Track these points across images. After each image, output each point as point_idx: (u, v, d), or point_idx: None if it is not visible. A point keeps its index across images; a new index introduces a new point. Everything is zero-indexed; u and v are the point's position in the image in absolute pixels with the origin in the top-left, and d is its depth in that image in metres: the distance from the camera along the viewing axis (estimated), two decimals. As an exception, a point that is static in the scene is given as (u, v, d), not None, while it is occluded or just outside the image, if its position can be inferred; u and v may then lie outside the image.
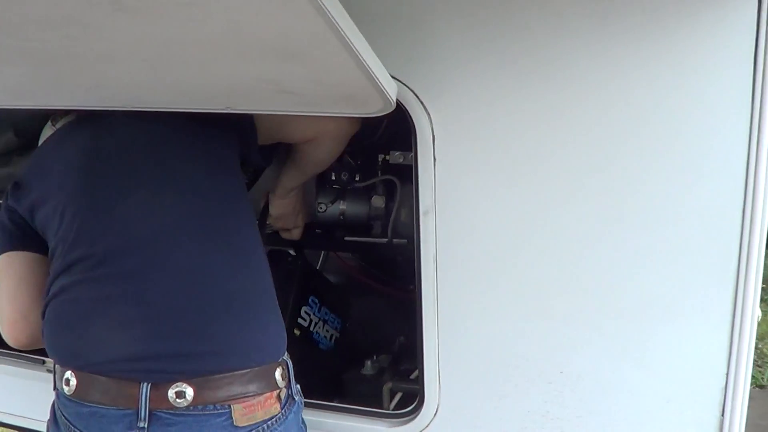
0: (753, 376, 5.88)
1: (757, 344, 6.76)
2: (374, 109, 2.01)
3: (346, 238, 2.99)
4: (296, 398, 2.18)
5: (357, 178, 3.02)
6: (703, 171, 2.07)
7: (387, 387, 2.63)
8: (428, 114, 2.19)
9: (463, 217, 2.26)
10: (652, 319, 2.19)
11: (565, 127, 2.14)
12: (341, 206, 3.01)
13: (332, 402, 2.65)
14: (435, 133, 2.20)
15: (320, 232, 3.11)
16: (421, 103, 2.18)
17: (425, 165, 2.23)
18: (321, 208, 2.99)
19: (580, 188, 2.17)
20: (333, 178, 3.02)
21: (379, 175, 2.97)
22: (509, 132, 2.17)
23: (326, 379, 2.83)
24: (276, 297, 2.24)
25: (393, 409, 2.60)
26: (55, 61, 1.86)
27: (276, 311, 2.22)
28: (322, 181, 3.04)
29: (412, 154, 2.24)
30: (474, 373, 2.36)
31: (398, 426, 2.48)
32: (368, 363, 2.78)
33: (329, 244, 3.12)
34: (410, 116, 2.18)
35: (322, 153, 2.57)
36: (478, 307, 2.31)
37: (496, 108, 2.16)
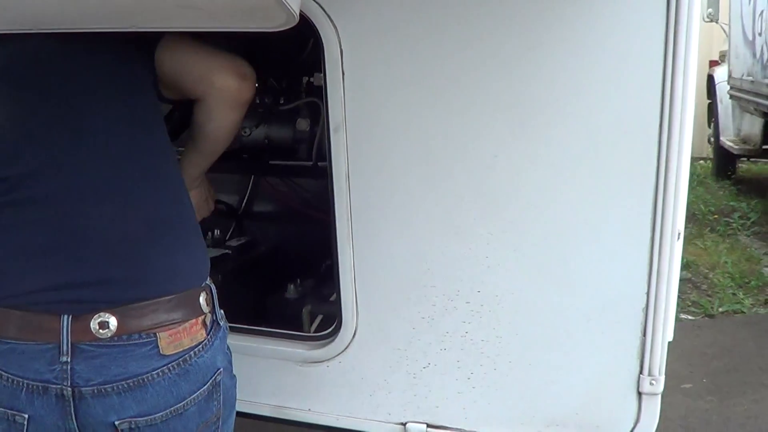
0: (702, 305, 5.95)
1: (707, 274, 6.82)
2: (277, 22, 1.93)
3: (270, 162, 2.92)
4: (221, 323, 2.12)
5: (281, 101, 2.98)
6: (619, 82, 2.02)
7: (306, 310, 2.59)
8: (335, 27, 2.12)
9: (374, 132, 2.20)
10: (572, 237, 2.16)
11: (478, 33, 2.07)
12: (266, 130, 2.93)
13: (256, 326, 2.60)
14: (343, 47, 2.13)
15: (246, 157, 3.04)
16: (328, 16, 2.11)
17: (334, 80, 2.16)
18: (245, 132, 2.93)
19: (493, 100, 2.11)
20: (257, 101, 2.96)
21: (303, 97, 2.92)
22: (419, 42, 2.10)
23: (251, 304, 2.77)
24: (197, 223, 2.17)
25: (313, 332, 2.54)
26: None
27: (199, 235, 2.15)
28: None
29: (322, 69, 2.17)
30: (391, 294, 2.32)
31: (317, 349, 2.45)
32: (291, 286, 2.73)
33: (254, 168, 3.05)
34: (317, 30, 2.11)
35: (216, 122, 2.42)
36: (392, 226, 2.26)
37: (405, 18, 2.09)
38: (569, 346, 2.25)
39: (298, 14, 1.88)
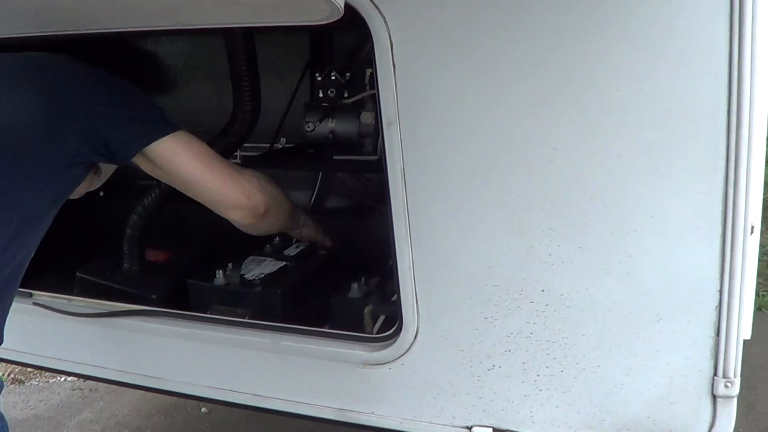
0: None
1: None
2: (321, 15, 1.90)
3: (335, 157, 2.85)
4: None
5: (345, 95, 2.89)
6: (685, 69, 1.91)
7: (368, 310, 2.51)
8: (384, 18, 2.03)
9: (429, 127, 2.11)
10: (638, 232, 2.04)
11: (539, 23, 1.97)
12: (330, 124, 2.87)
13: (321, 328, 2.56)
14: (392, 38, 2.04)
15: (312, 152, 2.98)
16: (375, 5, 2.02)
17: (385, 73, 2.08)
18: (309, 127, 2.87)
19: (556, 92, 2.00)
20: (321, 95, 2.89)
21: (368, 89, 2.82)
22: (474, 32, 2.01)
23: (314, 304, 2.71)
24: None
25: (376, 333, 2.47)
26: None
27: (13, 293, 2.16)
28: (310, 98, 2.93)
29: (373, 63, 2.09)
30: (452, 294, 2.24)
31: (379, 350, 2.38)
32: (355, 286, 2.65)
33: (319, 164, 2.98)
34: (366, 22, 2.03)
35: (252, 231, 2.58)
36: (451, 224, 2.17)
37: (457, 7, 2.00)
38: (639, 347, 2.14)
39: (342, 6, 1.83)
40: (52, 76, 2.19)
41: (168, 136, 2.26)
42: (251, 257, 2.82)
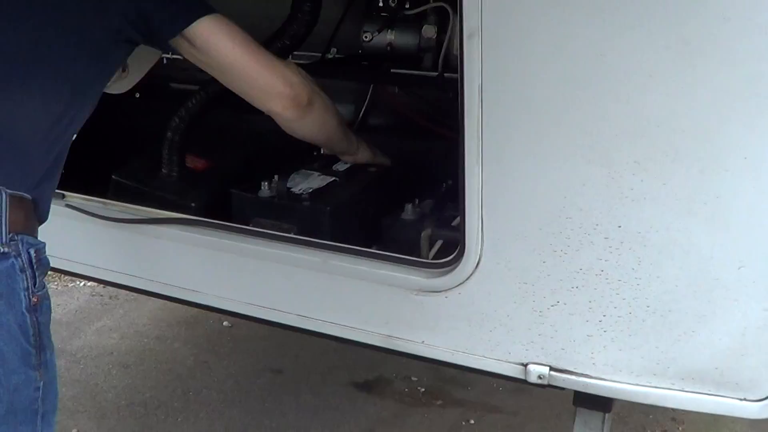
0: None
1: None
2: None
3: (392, 71, 2.71)
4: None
5: (407, 6, 2.80)
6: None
7: (426, 234, 2.38)
8: None
9: (514, 41, 1.95)
10: (730, 172, 1.89)
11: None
12: (389, 36, 2.77)
13: (369, 248, 2.43)
14: (480, -61, 1.88)
15: (366, 64, 2.83)
16: None
17: (471, -21, 1.90)
18: (366, 38, 2.77)
19: (656, 14, 1.84)
20: (381, 4, 2.80)
21: (431, 2, 2.72)
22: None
23: (364, 224, 2.61)
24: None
25: (432, 259, 2.35)
26: None
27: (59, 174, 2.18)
28: (368, 7, 2.82)
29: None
30: (521, 223, 2.10)
31: (436, 277, 2.25)
32: (408, 207, 2.52)
33: (374, 76, 2.83)
34: None
35: (298, 133, 2.51)
36: (527, 147, 2.03)
37: None
38: (716, 294, 2.00)
39: None
40: None
41: (207, 17, 2.23)
42: (298, 170, 2.67)
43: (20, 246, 1.92)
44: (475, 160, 2.06)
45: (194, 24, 2.21)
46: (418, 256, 2.38)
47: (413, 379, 4.10)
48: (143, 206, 2.63)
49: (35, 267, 1.95)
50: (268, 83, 2.30)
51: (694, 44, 1.82)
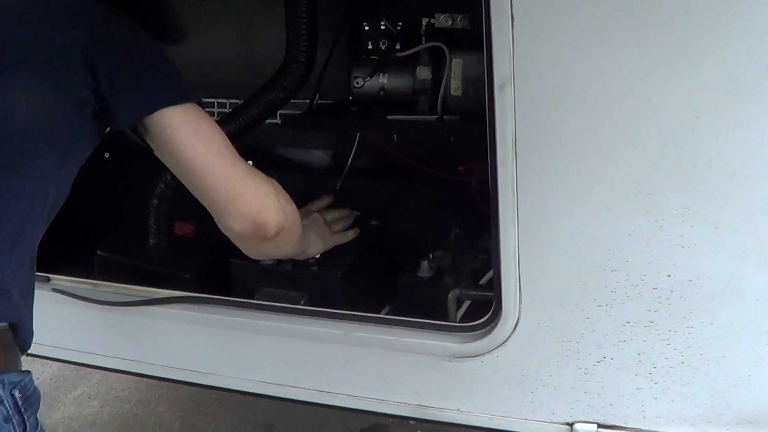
0: None
1: None
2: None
3: (389, 117, 2.57)
4: None
5: (398, 47, 2.65)
6: None
7: (453, 294, 2.22)
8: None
9: (549, 90, 1.83)
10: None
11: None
12: (381, 80, 2.61)
13: (385, 314, 2.32)
14: (513, -16, 1.75)
15: (355, 110, 2.69)
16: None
17: (500, 26, 1.78)
18: (357, 83, 2.61)
19: (703, 53, 1.73)
20: (370, 47, 2.65)
21: (424, 42, 2.57)
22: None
23: (377, 285, 2.46)
24: None
25: (462, 321, 2.22)
26: None
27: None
28: (356, 51, 2.67)
29: (483, 12, 1.80)
30: (562, 279, 1.99)
31: (470, 341, 2.11)
32: (424, 264, 2.36)
33: (369, 124, 2.68)
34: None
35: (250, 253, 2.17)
36: (567, 200, 1.91)
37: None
38: None
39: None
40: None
41: (177, 107, 1.88)
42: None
43: (1, 391, 1.63)
44: (510, 218, 1.94)
45: (159, 113, 1.86)
46: (443, 317, 2.25)
47: (411, 422, 3.95)
48: (136, 284, 2.44)
49: (23, 410, 1.66)
50: (234, 200, 1.94)
51: (741, 81, 1.72)
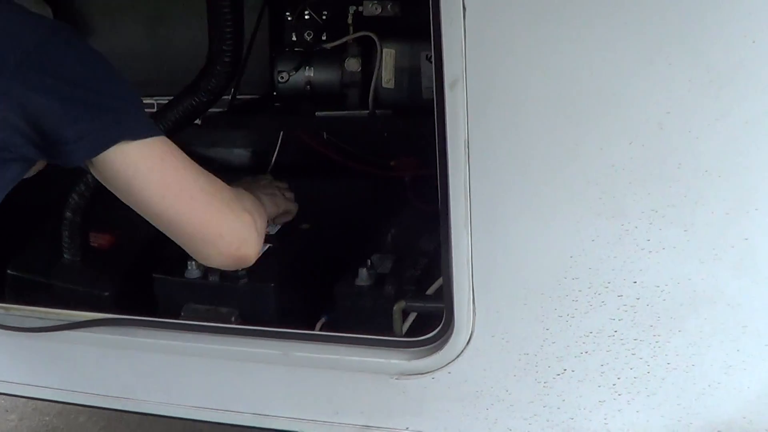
0: None
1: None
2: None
3: (317, 114, 2.42)
4: None
5: (324, 38, 2.54)
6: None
7: (399, 306, 2.07)
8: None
9: (505, 87, 1.72)
10: (759, 210, 1.73)
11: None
12: (307, 73, 2.51)
13: (324, 331, 2.18)
14: (464, -26, 1.63)
15: (279, 105, 2.56)
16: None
17: (451, 17, 1.65)
18: (282, 78, 2.50)
19: (674, 42, 1.63)
20: (294, 39, 2.53)
21: (352, 31, 2.48)
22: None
23: (311, 296, 2.29)
24: None
25: (409, 336, 2.08)
26: None
27: None
28: (279, 43, 2.54)
29: (430, 3, 1.67)
30: (519, 289, 1.88)
31: (419, 358, 1.98)
32: (363, 271, 2.18)
33: (296, 122, 2.52)
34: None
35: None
36: (526, 207, 1.80)
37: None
38: (744, 342, 1.84)
39: None
40: None
41: (137, 142, 1.63)
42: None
43: None
44: (462, 224, 1.82)
45: (113, 149, 1.60)
46: (385, 327, 2.11)
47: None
48: (51, 306, 2.25)
49: None
50: (207, 240, 1.77)
51: (715, 72, 1.63)
